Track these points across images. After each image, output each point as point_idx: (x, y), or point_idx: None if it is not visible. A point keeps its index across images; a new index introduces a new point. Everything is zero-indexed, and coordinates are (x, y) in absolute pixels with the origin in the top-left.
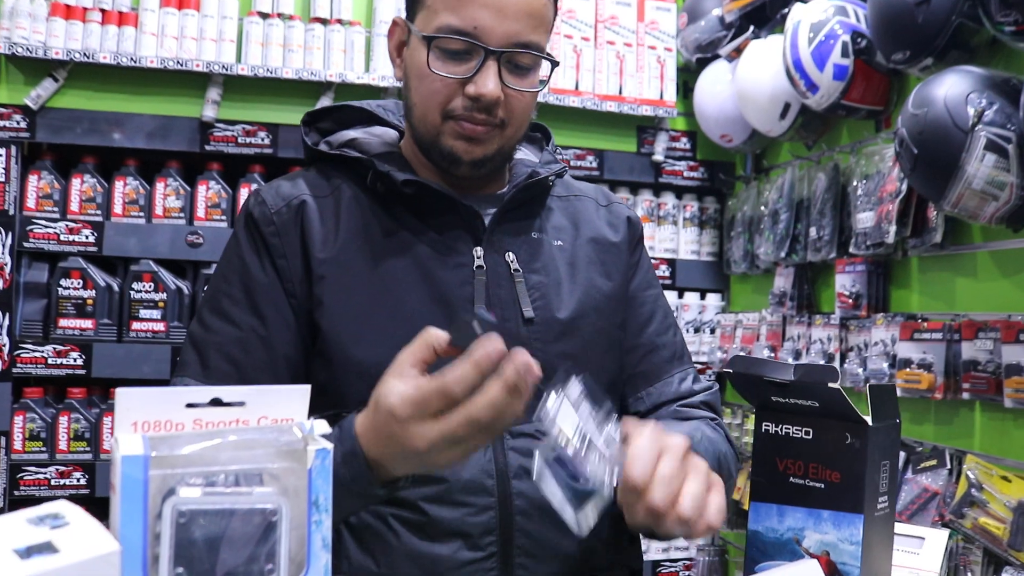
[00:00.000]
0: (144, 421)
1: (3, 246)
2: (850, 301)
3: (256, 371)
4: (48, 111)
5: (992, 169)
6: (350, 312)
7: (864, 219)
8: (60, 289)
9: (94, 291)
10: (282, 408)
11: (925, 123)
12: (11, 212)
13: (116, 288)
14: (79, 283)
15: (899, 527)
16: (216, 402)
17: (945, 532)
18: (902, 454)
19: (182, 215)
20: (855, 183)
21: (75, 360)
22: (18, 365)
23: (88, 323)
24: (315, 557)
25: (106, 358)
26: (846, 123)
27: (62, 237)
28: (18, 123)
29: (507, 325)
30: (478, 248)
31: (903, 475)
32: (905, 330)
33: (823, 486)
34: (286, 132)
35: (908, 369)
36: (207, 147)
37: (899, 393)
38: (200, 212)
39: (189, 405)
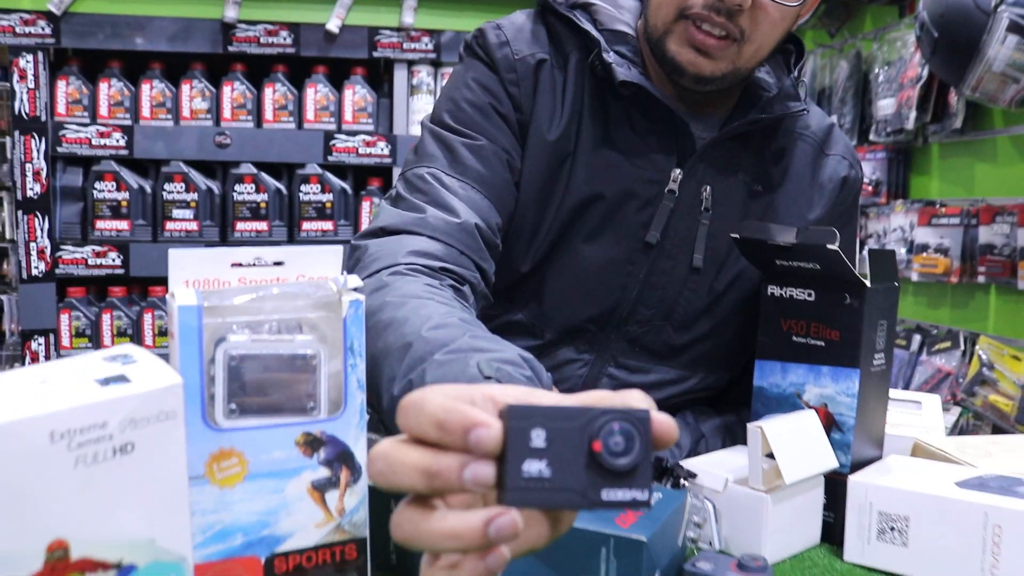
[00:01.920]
0: (195, 279)
1: (38, 152)
2: (870, 188)
3: (502, 185)
4: (71, 16)
5: (1014, 51)
6: (529, 199)
7: (885, 106)
8: (95, 192)
9: (127, 193)
10: (318, 267)
11: (947, 5)
12: (43, 118)
13: (148, 190)
14: (112, 186)
15: (893, 393)
16: (256, 262)
17: (937, 396)
18: (917, 337)
19: (209, 116)
20: (877, 70)
21: (114, 260)
22: (60, 266)
23: (124, 224)
24: (351, 396)
25: (142, 257)
26: (869, 10)
27: (94, 141)
28: (43, 29)
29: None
30: (677, 171)
31: (918, 357)
32: (923, 216)
33: (823, 344)
34: (307, 31)
35: (925, 254)
36: (230, 48)
37: (915, 278)
38: (226, 113)
39: (234, 264)
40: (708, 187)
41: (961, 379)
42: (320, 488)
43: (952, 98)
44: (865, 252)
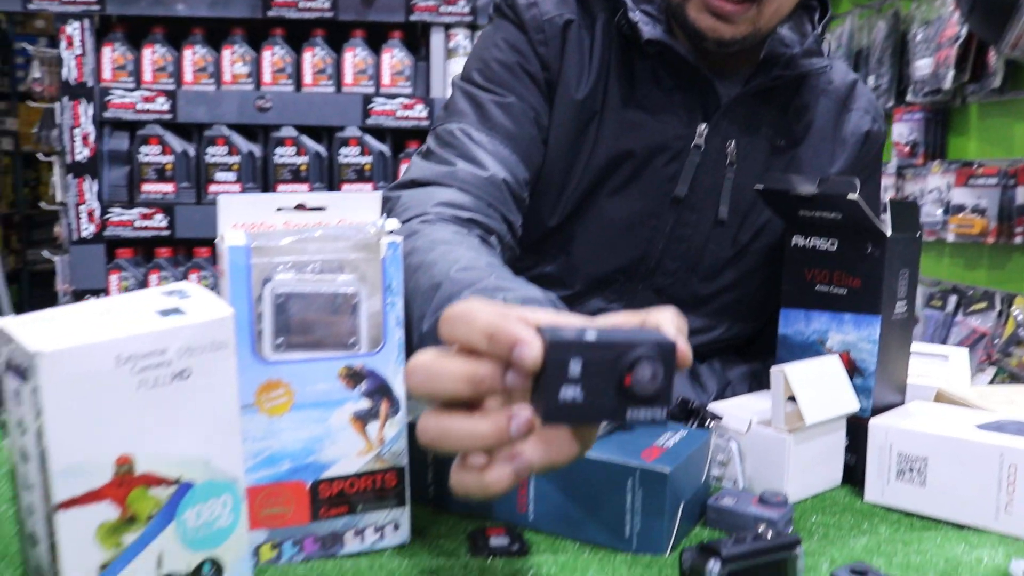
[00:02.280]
0: (242, 223)
1: (86, 116)
2: (907, 149)
3: (529, 141)
4: None
5: None
6: (557, 155)
7: (922, 66)
8: (140, 155)
9: (172, 156)
10: (358, 212)
11: None
12: (90, 84)
13: (192, 153)
14: (157, 149)
15: (920, 347)
16: (299, 208)
17: (965, 349)
18: (953, 298)
19: (249, 80)
20: (915, 30)
21: (160, 222)
22: (108, 228)
23: (169, 187)
24: (390, 332)
25: (187, 219)
26: None
27: (139, 106)
28: None
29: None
30: (703, 126)
31: (953, 318)
32: (960, 176)
33: (845, 292)
34: None
35: (961, 215)
36: (269, 13)
37: (952, 239)
38: (267, 77)
39: (279, 210)
40: (732, 142)
41: (997, 340)
42: (361, 419)
43: (991, 57)
44: (887, 202)
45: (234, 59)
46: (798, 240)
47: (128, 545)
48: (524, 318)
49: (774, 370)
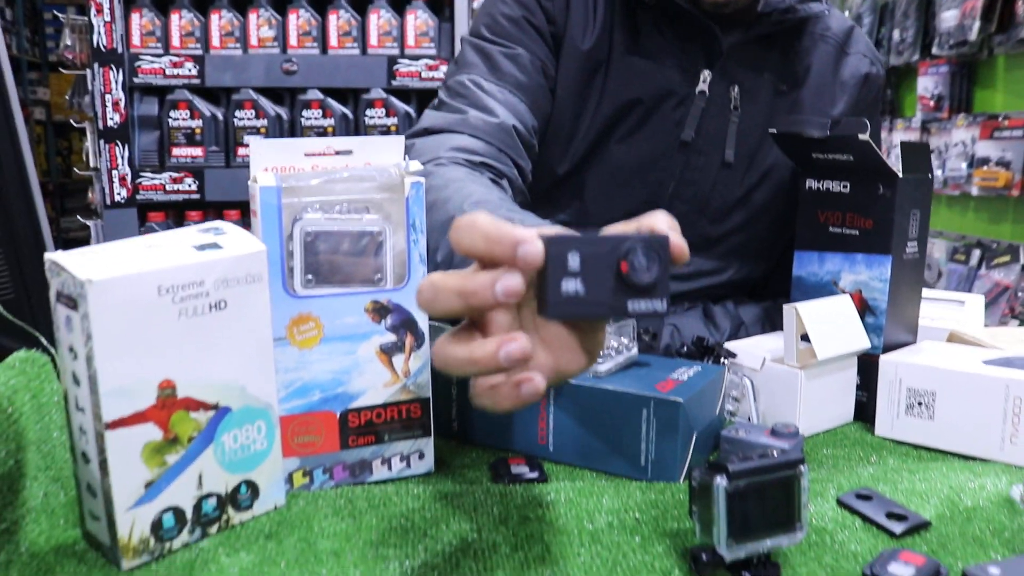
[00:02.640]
0: (273, 166)
1: (116, 83)
2: (931, 103)
3: (537, 90)
4: None
5: None
6: (565, 105)
7: (948, 18)
8: (170, 120)
9: (200, 121)
10: (382, 155)
11: None
12: (119, 50)
13: (220, 117)
14: (186, 114)
15: (936, 293)
16: (327, 151)
17: (980, 296)
18: (976, 251)
19: (275, 44)
20: None
21: (190, 186)
22: (140, 192)
23: (198, 151)
24: (414, 269)
25: (217, 183)
26: None
27: (167, 71)
28: None
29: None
30: (707, 72)
31: (976, 271)
32: (985, 129)
33: (858, 233)
34: None
35: (986, 167)
36: None
37: (976, 192)
38: (292, 40)
39: (307, 154)
40: (736, 87)
41: (1020, 292)
42: (387, 351)
43: (1019, 7)
44: (897, 145)
45: (260, 23)
46: (811, 183)
47: (171, 464)
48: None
49: (787, 308)
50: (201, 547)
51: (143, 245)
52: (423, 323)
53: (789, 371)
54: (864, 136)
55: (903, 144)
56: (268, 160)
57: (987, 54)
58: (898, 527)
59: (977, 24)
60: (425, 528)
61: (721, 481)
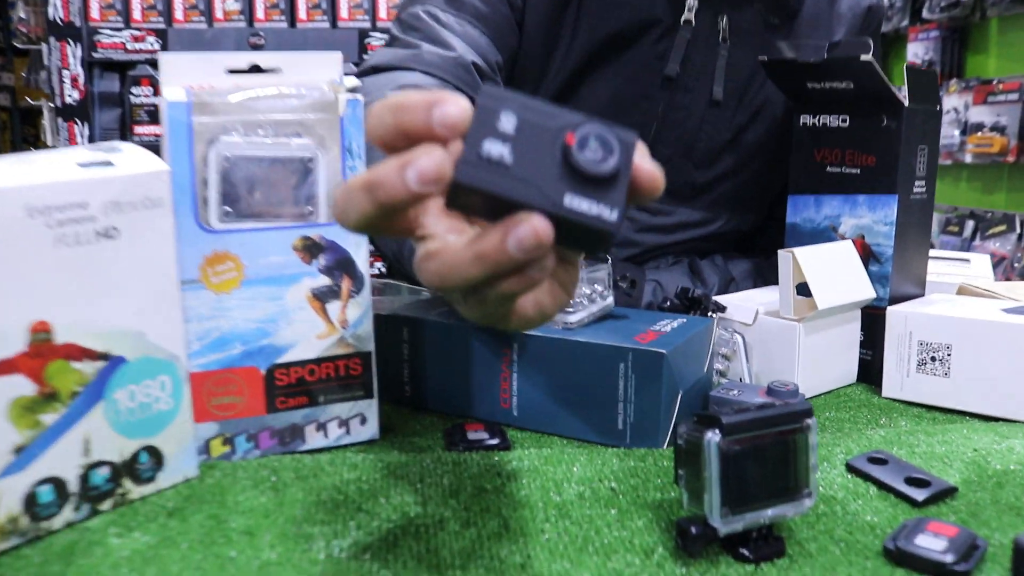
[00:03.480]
0: (188, 85)
1: (74, 58)
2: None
3: (502, 21)
4: None
5: None
6: (534, 41)
7: None
8: (132, 97)
9: None
10: (318, 74)
11: None
12: (77, 24)
13: None
14: (149, 91)
15: (938, 252)
16: (254, 70)
17: (986, 255)
18: (970, 223)
19: (242, 17)
20: None
21: None
22: None
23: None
24: None
25: None
26: None
27: (128, 46)
28: None
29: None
30: (692, 0)
31: (971, 243)
32: (979, 94)
33: (859, 171)
34: None
35: (980, 133)
36: None
37: (969, 159)
38: (259, 13)
39: (231, 72)
40: (724, 17)
41: (1016, 263)
42: (320, 297)
43: None
44: (904, 68)
45: None
46: (806, 119)
47: (49, 425)
48: None
49: (782, 253)
50: (88, 526)
51: (17, 161)
52: (362, 264)
53: (786, 324)
54: (867, 57)
55: (909, 69)
56: (182, 78)
57: (980, 16)
58: (920, 494)
59: None
60: (360, 502)
61: (713, 437)
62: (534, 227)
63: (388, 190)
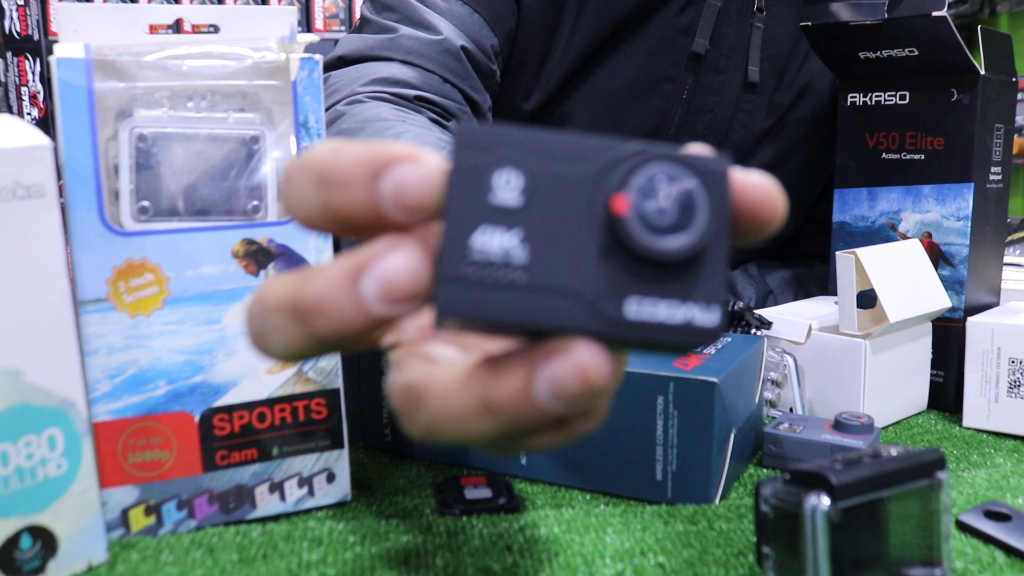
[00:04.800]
0: (96, 45)
1: (33, 74)
2: None
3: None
4: None
5: None
6: (533, 20)
7: None
8: None
9: None
10: (265, 32)
11: None
12: (36, 37)
13: None
14: None
15: None
16: (180, 29)
17: None
18: None
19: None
20: None
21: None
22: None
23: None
24: None
25: None
26: None
27: None
28: None
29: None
30: None
31: None
32: None
33: (923, 157)
34: None
35: None
36: None
37: None
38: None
39: (153, 30)
40: None
41: None
42: None
43: None
44: (978, 29)
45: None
46: (855, 98)
47: None
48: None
49: (841, 256)
50: None
51: None
52: None
53: (848, 342)
54: (940, 12)
55: (983, 30)
56: (86, 34)
57: (989, 13)
58: None
59: None
60: None
61: (820, 503)
62: (578, 366)
63: (332, 318)
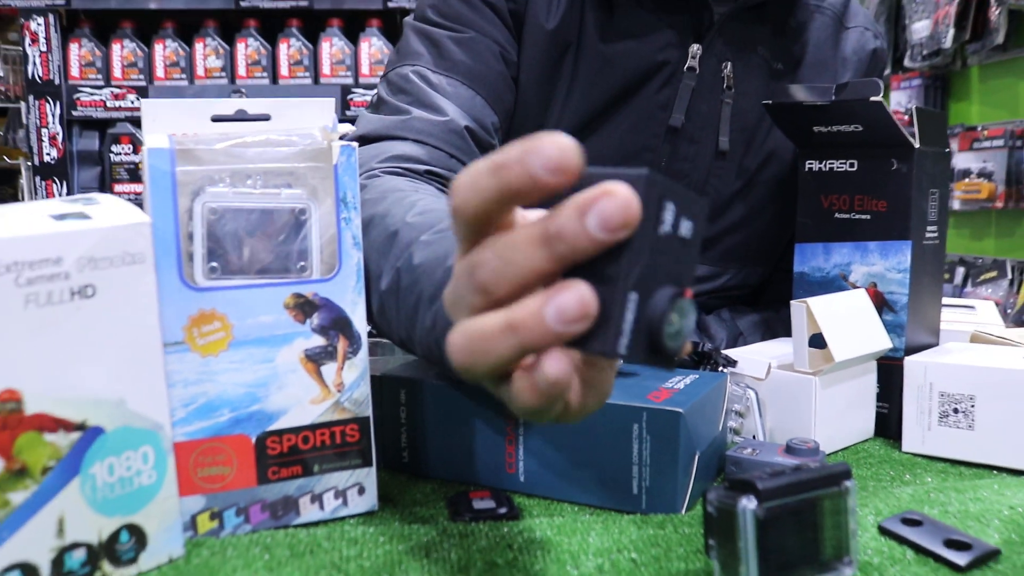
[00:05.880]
0: (172, 133)
1: (53, 116)
2: (906, 118)
3: (496, 79)
4: None
5: None
6: (530, 95)
7: (920, 28)
8: (112, 155)
9: None
10: (309, 121)
11: None
12: (57, 82)
13: None
14: (129, 148)
15: (945, 300)
16: (241, 116)
17: (991, 302)
18: (961, 269)
19: (223, 75)
20: None
21: None
22: None
23: (141, 187)
24: (346, 255)
25: None
26: None
27: (108, 104)
28: None
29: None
30: (696, 47)
31: (963, 289)
32: (964, 140)
33: (869, 217)
34: None
35: (967, 180)
36: (242, 4)
37: (957, 207)
38: (241, 70)
39: (216, 119)
40: (728, 64)
41: (1009, 309)
42: (315, 359)
43: (992, 12)
44: (912, 109)
45: (207, 53)
46: (812, 164)
47: (18, 505)
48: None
49: (795, 304)
50: None
51: None
52: (359, 323)
53: (801, 378)
54: (876, 98)
55: (918, 110)
56: (164, 124)
57: (960, 65)
58: (962, 558)
59: (951, 32)
60: None
61: (749, 504)
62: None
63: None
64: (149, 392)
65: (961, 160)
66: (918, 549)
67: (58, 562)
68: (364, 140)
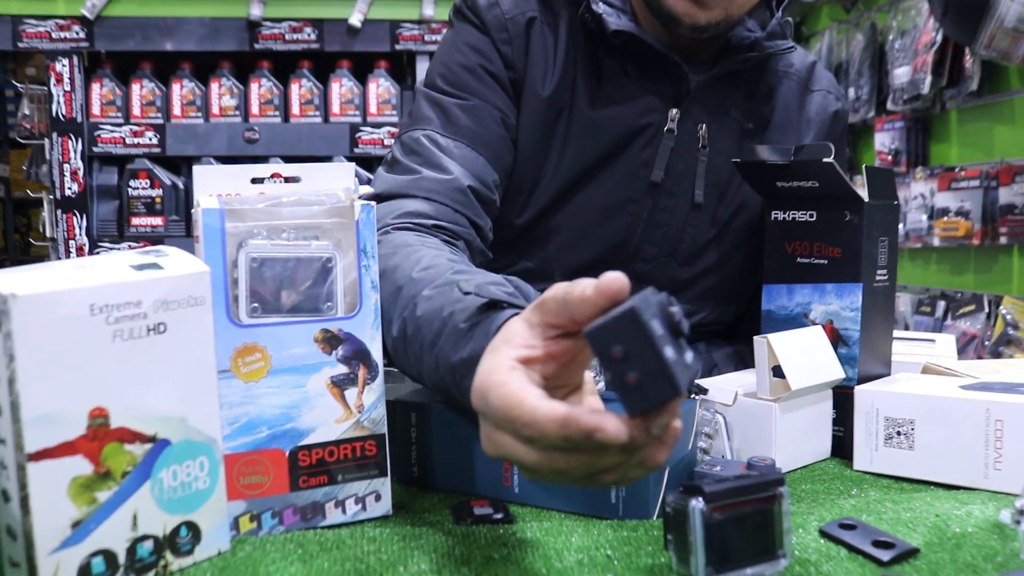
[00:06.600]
0: (217, 193)
1: (75, 152)
2: (889, 158)
3: (497, 142)
4: (104, 20)
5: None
6: (527, 154)
7: (900, 74)
8: (130, 190)
9: (161, 190)
10: (332, 182)
11: None
12: (79, 119)
13: (181, 186)
14: (147, 183)
15: (907, 333)
16: (275, 178)
17: (951, 336)
18: (941, 303)
19: (237, 113)
20: (892, 39)
21: None
22: None
23: (158, 220)
24: (366, 297)
25: None
26: None
27: (127, 140)
28: (77, 34)
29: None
30: (674, 111)
31: (943, 322)
32: (943, 180)
33: (826, 262)
34: (331, 27)
35: (946, 218)
36: (256, 46)
37: (937, 243)
38: (254, 109)
39: (254, 181)
40: (703, 125)
41: (987, 341)
42: (339, 384)
43: (967, 61)
44: (862, 167)
45: (222, 92)
46: (777, 214)
47: (103, 502)
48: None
49: (758, 339)
50: None
51: (74, 265)
52: (376, 353)
53: (763, 405)
54: (828, 160)
55: (868, 168)
56: (212, 187)
57: (940, 109)
58: (885, 555)
59: (929, 78)
60: (381, 571)
61: (697, 504)
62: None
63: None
64: (206, 411)
65: (940, 199)
66: (850, 548)
67: (131, 551)
68: (380, 198)
